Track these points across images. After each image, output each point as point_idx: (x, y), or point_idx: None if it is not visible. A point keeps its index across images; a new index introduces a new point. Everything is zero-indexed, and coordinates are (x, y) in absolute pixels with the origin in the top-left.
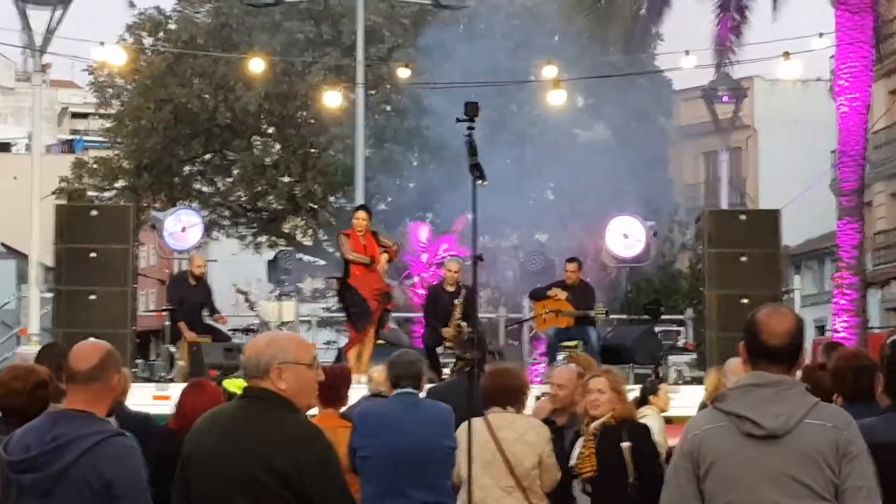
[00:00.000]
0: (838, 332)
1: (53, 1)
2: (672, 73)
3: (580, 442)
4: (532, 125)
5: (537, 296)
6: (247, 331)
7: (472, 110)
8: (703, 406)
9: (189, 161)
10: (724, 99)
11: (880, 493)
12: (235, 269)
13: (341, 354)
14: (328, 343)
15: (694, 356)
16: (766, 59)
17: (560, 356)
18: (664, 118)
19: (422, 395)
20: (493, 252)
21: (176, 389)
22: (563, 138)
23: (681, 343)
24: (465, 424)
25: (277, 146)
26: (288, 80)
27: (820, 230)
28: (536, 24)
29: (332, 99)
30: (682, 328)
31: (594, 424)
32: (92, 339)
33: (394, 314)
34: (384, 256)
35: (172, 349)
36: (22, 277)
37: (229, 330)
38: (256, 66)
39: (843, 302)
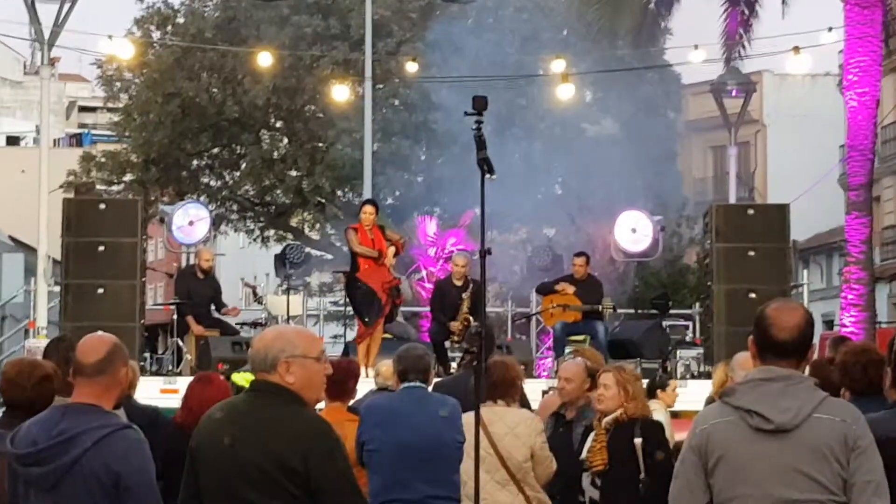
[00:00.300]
0: (846, 326)
1: None
2: (681, 67)
3: (592, 436)
4: (540, 119)
5: (545, 290)
6: (254, 325)
7: (480, 104)
8: (710, 401)
9: (197, 155)
10: (733, 93)
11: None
12: (243, 263)
13: (349, 348)
14: (335, 337)
15: (701, 351)
16: (775, 54)
17: (567, 350)
18: (673, 112)
19: (429, 389)
20: (500, 246)
21: (184, 383)
22: (571, 132)
23: (688, 337)
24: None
25: (285, 140)
26: (296, 75)
27: (828, 225)
28: (545, 17)
29: (340, 93)
30: (689, 323)
31: (607, 419)
32: (99, 332)
33: (401, 308)
34: (391, 250)
35: (180, 343)
36: (30, 271)
37: (237, 324)
38: (264, 60)
39: (851, 297)
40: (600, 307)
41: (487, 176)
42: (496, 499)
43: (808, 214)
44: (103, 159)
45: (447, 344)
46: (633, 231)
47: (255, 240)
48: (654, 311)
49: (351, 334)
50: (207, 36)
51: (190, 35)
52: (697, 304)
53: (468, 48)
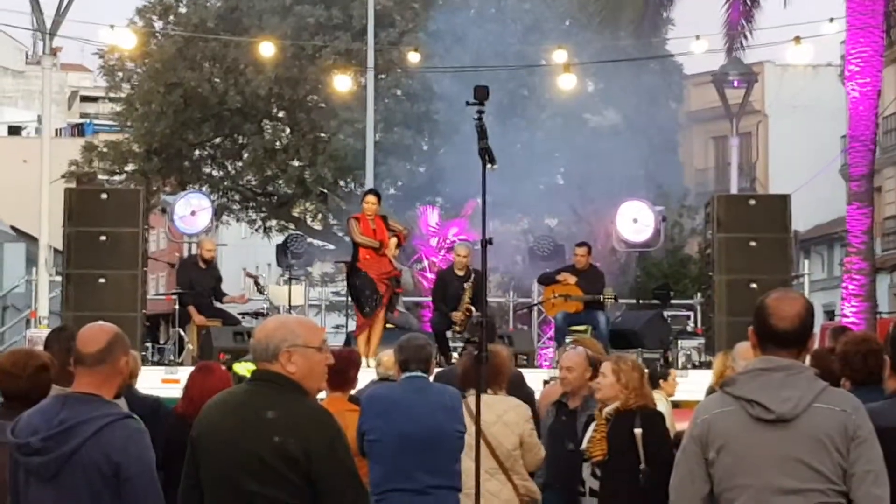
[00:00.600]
0: (847, 317)
1: None
2: (683, 57)
3: (593, 426)
4: (542, 109)
5: (546, 280)
6: (256, 314)
7: (481, 94)
8: (710, 391)
9: (199, 145)
10: (735, 84)
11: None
12: (245, 253)
13: (350, 338)
14: (337, 327)
15: (702, 340)
16: (777, 44)
17: (567, 340)
18: (674, 103)
19: (431, 379)
20: (502, 236)
21: (185, 373)
22: (573, 123)
23: (689, 327)
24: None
25: (287, 130)
26: (298, 65)
27: (829, 215)
28: (547, 7)
29: (342, 83)
30: (690, 313)
31: (607, 409)
32: (100, 321)
33: (403, 298)
34: (393, 241)
35: (182, 333)
36: (32, 261)
37: (239, 314)
38: (266, 50)
39: (852, 287)
40: (602, 297)
41: (489, 166)
42: (485, 487)
43: (810, 205)
44: (105, 149)
45: (449, 334)
46: (635, 221)
47: (256, 230)
48: (655, 301)
49: (352, 324)
50: (209, 26)
51: (192, 25)
52: (699, 294)
53: (470, 38)
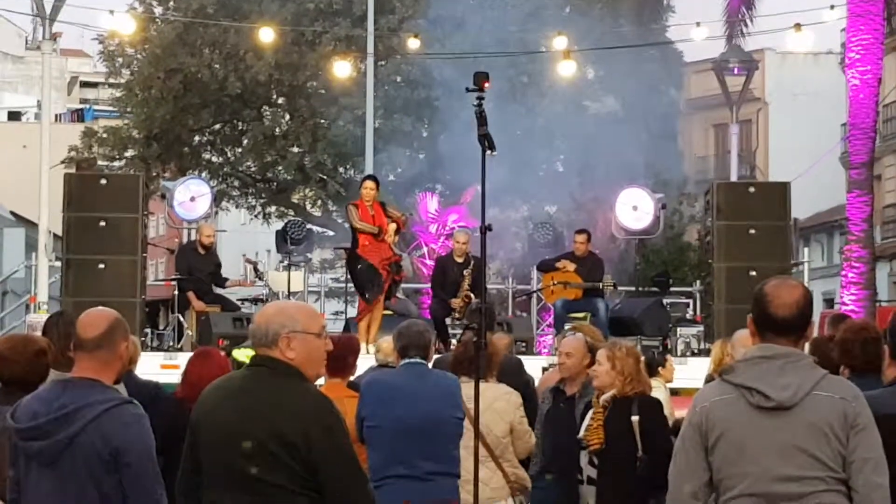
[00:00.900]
0: (847, 305)
1: None
2: (683, 45)
3: (590, 413)
4: (542, 96)
5: (546, 267)
6: (255, 300)
7: (481, 80)
8: (709, 378)
9: (199, 131)
10: (735, 71)
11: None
12: (244, 240)
13: (350, 324)
14: (336, 313)
15: (702, 328)
16: (777, 32)
17: (567, 327)
18: (675, 90)
19: (430, 365)
20: (502, 223)
21: (184, 358)
22: (572, 110)
23: (689, 315)
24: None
25: (287, 116)
26: (298, 51)
27: (829, 203)
28: None
29: (342, 69)
30: (690, 300)
31: (605, 396)
32: (100, 307)
33: (402, 285)
34: (392, 227)
35: (181, 318)
36: (31, 246)
37: (238, 300)
38: (266, 35)
39: (851, 275)
40: (601, 284)
41: (488, 152)
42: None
43: (810, 192)
44: (105, 135)
45: (448, 321)
46: (635, 209)
47: (256, 216)
48: (654, 289)
49: (352, 311)
50: (209, 11)
51: (192, 10)
52: (698, 282)
53: (470, 25)
